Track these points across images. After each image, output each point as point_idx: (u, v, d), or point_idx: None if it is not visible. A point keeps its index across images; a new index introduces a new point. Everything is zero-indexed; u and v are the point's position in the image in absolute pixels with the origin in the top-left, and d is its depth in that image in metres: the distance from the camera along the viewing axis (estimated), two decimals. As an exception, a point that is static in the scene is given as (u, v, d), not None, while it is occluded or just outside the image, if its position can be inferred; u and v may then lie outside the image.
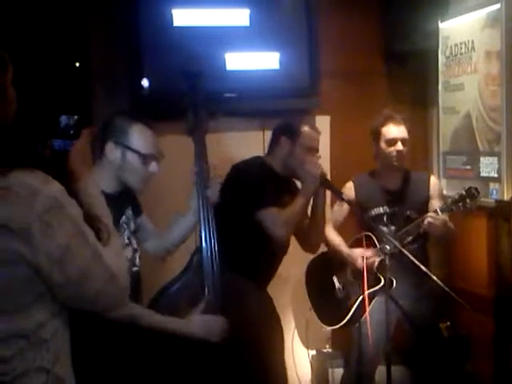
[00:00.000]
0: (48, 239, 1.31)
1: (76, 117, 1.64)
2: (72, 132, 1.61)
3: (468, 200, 2.97)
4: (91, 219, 1.44)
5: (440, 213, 3.00)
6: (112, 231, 1.53)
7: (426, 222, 3.00)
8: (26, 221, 1.30)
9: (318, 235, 3.07)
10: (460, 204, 2.98)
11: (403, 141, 3.18)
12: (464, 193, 2.98)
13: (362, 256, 3.11)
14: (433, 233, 3.08)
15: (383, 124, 3.20)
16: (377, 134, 3.22)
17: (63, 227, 1.33)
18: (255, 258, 2.89)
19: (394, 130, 3.18)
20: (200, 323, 2.30)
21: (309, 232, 2.99)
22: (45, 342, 1.37)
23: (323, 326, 3.29)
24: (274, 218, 2.78)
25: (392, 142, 3.17)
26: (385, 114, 3.24)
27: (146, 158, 2.29)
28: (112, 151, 2.26)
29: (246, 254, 2.87)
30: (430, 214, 3.04)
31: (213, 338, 2.32)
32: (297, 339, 3.84)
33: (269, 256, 2.95)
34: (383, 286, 3.02)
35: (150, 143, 2.32)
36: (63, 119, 1.62)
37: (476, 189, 2.98)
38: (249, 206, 2.81)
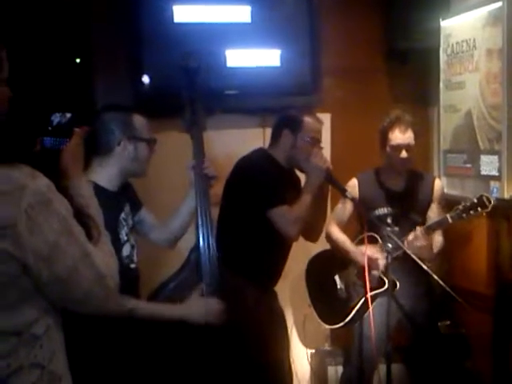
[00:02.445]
0: (35, 235, 1.28)
1: (69, 115, 1.60)
2: (64, 130, 1.58)
3: (479, 209, 2.93)
4: (82, 217, 1.42)
5: (430, 229, 3.02)
6: (103, 232, 1.51)
7: (406, 240, 3.00)
8: (13, 217, 1.27)
9: (320, 225, 3.09)
10: (471, 212, 2.94)
11: (408, 148, 3.13)
12: (476, 201, 2.94)
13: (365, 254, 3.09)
14: (411, 250, 3.04)
15: (390, 128, 3.14)
16: (383, 137, 3.18)
17: (50, 223, 1.30)
18: (266, 255, 2.90)
19: (400, 137, 3.12)
20: (197, 305, 2.31)
21: (311, 221, 2.96)
22: (38, 339, 1.35)
23: (322, 324, 3.28)
24: (286, 217, 2.79)
25: (397, 148, 3.13)
26: (392, 116, 3.17)
27: (150, 143, 2.39)
28: (126, 147, 2.31)
29: (257, 252, 2.89)
30: (417, 229, 3.02)
31: (211, 319, 2.31)
32: (295, 337, 3.84)
33: (279, 251, 2.97)
34: (387, 288, 3.01)
35: (148, 128, 2.41)
36: (56, 117, 1.59)
37: (487, 197, 2.93)
38: (260, 205, 2.81)
